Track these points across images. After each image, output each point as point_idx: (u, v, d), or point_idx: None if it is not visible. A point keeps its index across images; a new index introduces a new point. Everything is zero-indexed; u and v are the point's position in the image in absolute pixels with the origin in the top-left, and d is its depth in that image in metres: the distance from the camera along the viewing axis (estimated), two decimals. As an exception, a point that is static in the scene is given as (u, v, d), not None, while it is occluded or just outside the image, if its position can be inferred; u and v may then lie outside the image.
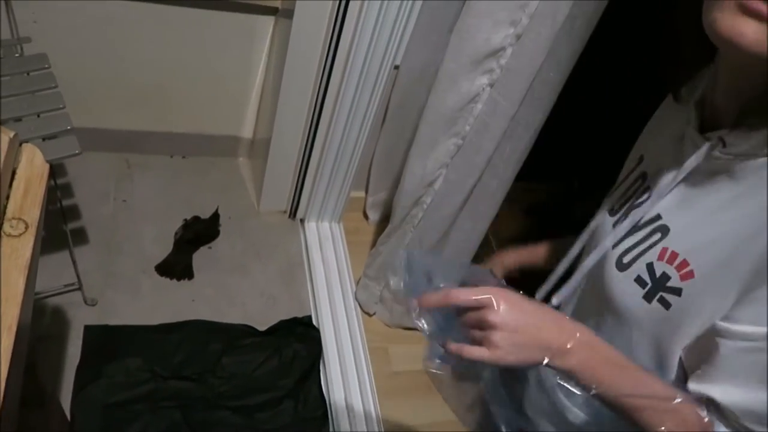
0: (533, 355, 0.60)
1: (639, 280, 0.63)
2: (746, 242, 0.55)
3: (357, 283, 1.86)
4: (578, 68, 1.25)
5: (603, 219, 0.75)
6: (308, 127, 1.71)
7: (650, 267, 0.62)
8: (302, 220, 1.98)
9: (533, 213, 1.74)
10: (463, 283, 0.68)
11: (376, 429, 1.54)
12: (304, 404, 1.55)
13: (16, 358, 0.70)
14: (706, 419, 0.57)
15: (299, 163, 1.82)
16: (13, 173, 0.80)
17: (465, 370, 0.70)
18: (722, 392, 0.57)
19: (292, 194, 1.92)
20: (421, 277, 0.70)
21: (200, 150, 2.03)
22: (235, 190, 2.00)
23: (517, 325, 0.60)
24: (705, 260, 0.58)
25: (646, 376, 0.61)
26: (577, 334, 0.61)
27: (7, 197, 0.77)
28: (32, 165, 0.83)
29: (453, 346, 0.63)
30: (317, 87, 1.61)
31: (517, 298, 0.61)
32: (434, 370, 0.80)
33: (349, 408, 1.57)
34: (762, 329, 0.53)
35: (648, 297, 0.62)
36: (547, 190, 1.76)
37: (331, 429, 1.54)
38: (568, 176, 1.94)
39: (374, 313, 1.84)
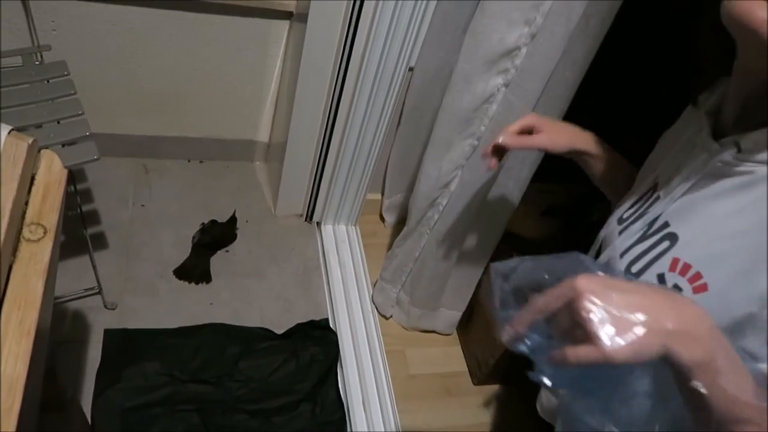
0: (649, 341, 0.47)
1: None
2: (762, 255, 0.52)
3: (374, 285, 1.86)
4: (594, 67, 1.24)
5: (612, 227, 0.73)
6: (324, 131, 1.71)
7: (661, 278, 0.60)
8: (318, 224, 1.99)
9: (551, 214, 1.72)
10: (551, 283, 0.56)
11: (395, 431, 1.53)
12: (322, 408, 1.55)
13: (35, 362, 0.70)
14: None
15: (315, 167, 1.82)
16: (32, 179, 0.81)
17: (580, 387, 0.55)
18: None
19: (309, 197, 1.93)
20: (510, 295, 0.59)
21: (217, 154, 2.05)
22: (251, 194, 2.01)
23: (618, 306, 0.48)
24: (719, 274, 0.56)
25: (756, 383, 0.50)
26: (701, 316, 0.48)
27: (26, 203, 0.78)
28: (50, 171, 0.84)
29: (556, 354, 0.50)
30: (332, 90, 1.61)
31: (605, 278, 0.50)
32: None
33: (366, 411, 1.57)
34: None
35: None
36: (566, 192, 1.73)
37: (348, 432, 1.53)
38: (587, 177, 1.92)
39: (391, 316, 1.84)
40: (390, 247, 1.79)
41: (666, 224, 0.63)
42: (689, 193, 0.61)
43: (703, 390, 0.48)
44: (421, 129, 1.69)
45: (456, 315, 1.80)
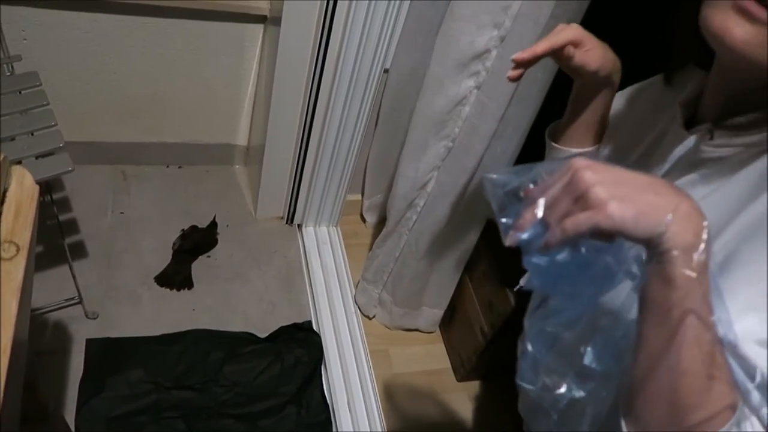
0: (653, 208, 0.44)
1: (628, 274, 0.57)
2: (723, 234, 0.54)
3: (356, 286, 1.87)
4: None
5: None
6: (301, 133, 1.72)
7: (639, 259, 0.61)
8: (300, 226, 1.99)
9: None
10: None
11: (380, 431, 1.54)
12: (307, 409, 1.57)
13: (12, 377, 0.71)
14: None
15: (294, 169, 1.83)
16: (4, 195, 0.81)
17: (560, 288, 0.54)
18: None
19: (289, 200, 1.93)
20: (507, 198, 0.55)
21: (196, 159, 2.05)
22: (231, 198, 2.01)
23: (616, 177, 0.46)
24: None
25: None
26: (699, 209, 0.46)
27: (-2, 221, 0.78)
28: (22, 187, 0.83)
29: (555, 229, 0.47)
30: (308, 92, 1.62)
31: (601, 163, 0.48)
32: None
33: (351, 411, 1.58)
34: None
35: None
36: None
37: (334, 433, 1.55)
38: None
39: (374, 316, 1.85)
40: (371, 247, 1.81)
41: None
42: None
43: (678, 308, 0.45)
44: (398, 130, 1.71)
45: (438, 313, 1.82)
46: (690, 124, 0.64)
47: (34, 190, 0.84)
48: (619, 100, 0.81)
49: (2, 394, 0.66)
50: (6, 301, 0.71)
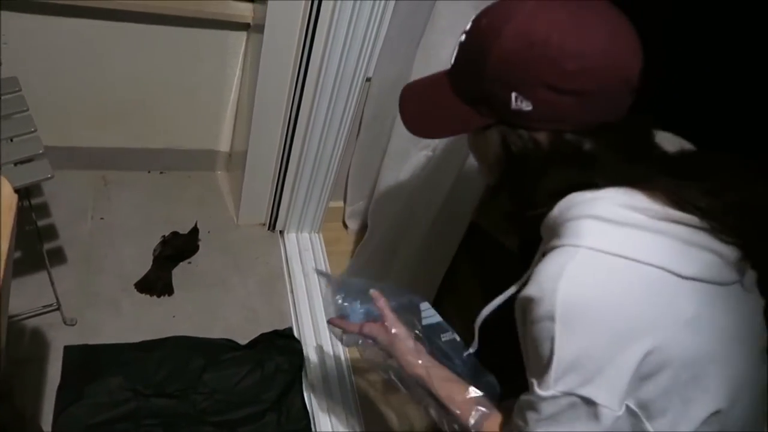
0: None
1: None
2: None
3: (337, 292, 1.87)
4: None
5: None
6: (284, 140, 1.72)
7: None
8: (282, 232, 2.00)
9: (506, 229, 1.76)
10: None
11: (360, 438, 1.55)
12: (287, 416, 1.57)
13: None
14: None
15: (276, 175, 1.83)
16: (-19, 206, 0.81)
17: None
18: None
19: (271, 206, 1.93)
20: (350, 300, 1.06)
21: (178, 165, 2.04)
22: (213, 204, 2.01)
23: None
24: None
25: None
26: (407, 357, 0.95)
27: (-24, 230, 0.78)
28: (0, 196, 0.83)
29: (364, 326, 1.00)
30: (291, 100, 1.62)
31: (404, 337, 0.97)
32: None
33: (331, 418, 1.58)
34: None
35: None
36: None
37: (314, 440, 1.55)
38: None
39: (355, 322, 1.86)
40: (353, 254, 1.82)
41: None
42: None
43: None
44: (380, 138, 1.72)
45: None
46: None
47: (13, 200, 0.84)
48: None
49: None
50: (-18, 311, 0.71)
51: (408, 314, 1.03)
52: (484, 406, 0.85)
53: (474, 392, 0.88)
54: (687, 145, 0.80)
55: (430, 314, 1.07)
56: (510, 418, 0.78)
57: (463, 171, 1.39)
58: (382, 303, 0.99)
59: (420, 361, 0.93)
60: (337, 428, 1.57)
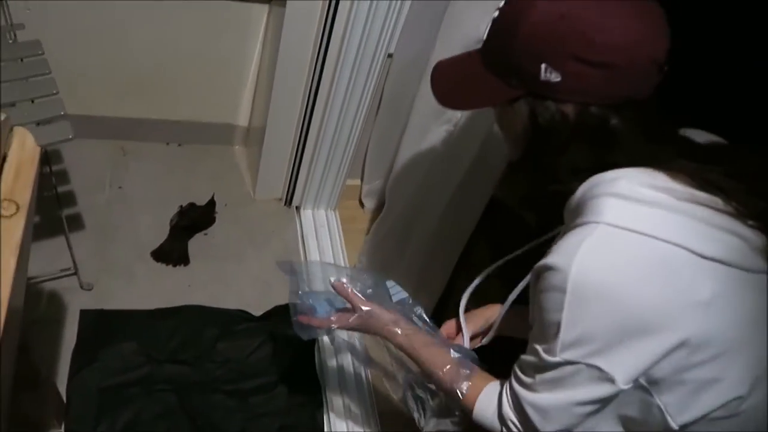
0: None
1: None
2: None
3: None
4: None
5: None
6: (303, 115, 1.72)
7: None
8: (298, 208, 2.00)
9: (527, 205, 1.74)
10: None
11: (371, 413, 1.55)
12: (299, 389, 1.57)
13: (7, 339, 0.71)
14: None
15: (294, 151, 1.83)
16: (5, 156, 0.81)
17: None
18: None
19: (288, 182, 1.93)
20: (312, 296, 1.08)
21: (196, 138, 2.04)
22: (231, 178, 2.01)
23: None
24: None
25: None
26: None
27: (-1, 179, 0.78)
28: (24, 148, 0.84)
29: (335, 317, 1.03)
30: (311, 75, 1.62)
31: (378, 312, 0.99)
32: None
33: (343, 392, 1.59)
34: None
35: None
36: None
37: (325, 413, 1.56)
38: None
39: (368, 300, 1.86)
40: (369, 232, 1.81)
41: None
42: None
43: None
44: (400, 115, 1.71)
45: (434, 298, 1.83)
46: None
47: (36, 152, 0.84)
48: None
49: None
50: (5, 257, 0.72)
51: (377, 297, 1.04)
52: (466, 368, 0.88)
53: (455, 354, 0.91)
54: (717, 139, 0.79)
55: (397, 290, 1.09)
56: (500, 380, 0.82)
57: (484, 146, 1.37)
58: (347, 291, 1.00)
59: (399, 330, 0.96)
60: (348, 402, 1.57)
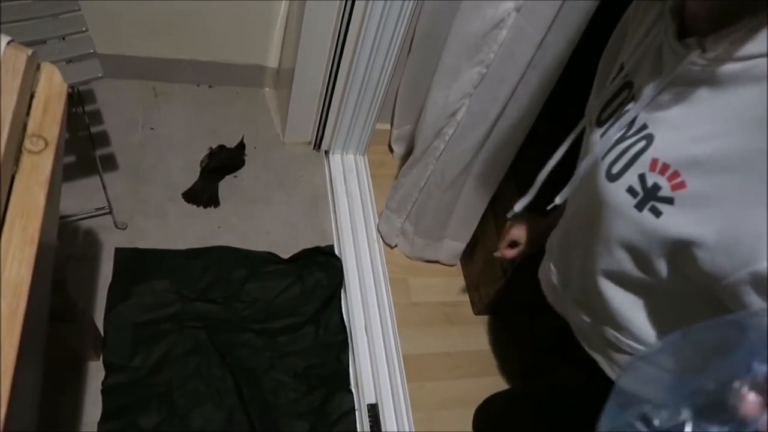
0: None
1: (631, 191, 0.64)
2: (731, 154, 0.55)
3: (380, 215, 1.87)
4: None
5: (591, 129, 0.75)
6: (332, 57, 1.68)
7: (642, 177, 0.63)
8: (327, 152, 1.99)
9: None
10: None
11: (395, 355, 1.58)
12: (325, 330, 1.61)
13: (39, 270, 0.73)
14: None
15: (324, 95, 1.81)
16: (33, 93, 0.81)
17: None
18: None
19: (317, 125, 1.92)
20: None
21: (226, 79, 2.03)
22: (260, 121, 2.01)
23: None
24: (695, 172, 0.58)
25: None
26: None
27: (27, 114, 0.79)
28: (51, 84, 0.84)
29: None
30: (341, 15, 1.57)
31: None
32: None
33: (368, 335, 1.62)
34: None
35: (639, 206, 0.63)
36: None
37: (350, 354, 1.59)
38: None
39: (395, 245, 1.86)
40: (397, 177, 1.80)
41: (644, 126, 0.64)
42: (662, 95, 0.62)
43: None
44: (431, 57, 1.65)
45: (460, 246, 1.82)
46: (683, 31, 0.61)
47: (63, 87, 0.84)
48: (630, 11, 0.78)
49: (29, 282, 0.69)
50: (34, 192, 0.73)
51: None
52: None
53: None
54: None
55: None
56: None
57: (517, 92, 1.33)
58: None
59: None
60: (374, 346, 1.60)
